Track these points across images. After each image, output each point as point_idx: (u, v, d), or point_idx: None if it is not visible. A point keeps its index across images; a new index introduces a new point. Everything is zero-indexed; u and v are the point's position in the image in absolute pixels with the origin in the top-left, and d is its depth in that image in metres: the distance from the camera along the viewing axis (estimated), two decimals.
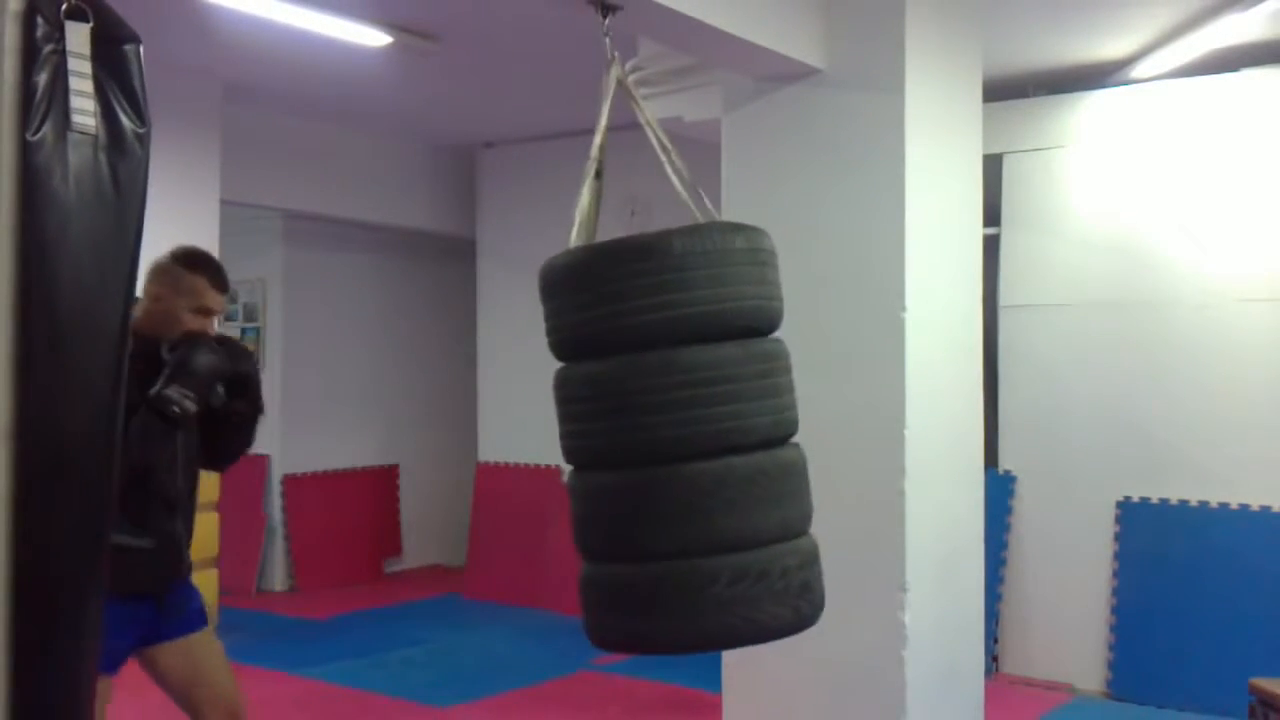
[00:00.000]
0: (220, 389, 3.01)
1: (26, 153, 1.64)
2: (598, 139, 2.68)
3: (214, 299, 3.06)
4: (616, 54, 2.75)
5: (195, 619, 3.07)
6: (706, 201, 2.72)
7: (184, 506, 3.04)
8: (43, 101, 1.65)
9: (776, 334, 2.50)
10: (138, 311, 2.87)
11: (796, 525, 2.41)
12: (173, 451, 2.96)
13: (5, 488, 1.66)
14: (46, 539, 1.71)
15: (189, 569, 3.09)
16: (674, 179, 2.70)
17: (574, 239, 2.60)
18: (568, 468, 2.48)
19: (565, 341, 2.41)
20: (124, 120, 1.75)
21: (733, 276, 2.32)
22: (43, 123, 1.65)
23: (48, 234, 1.67)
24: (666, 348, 2.27)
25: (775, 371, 2.42)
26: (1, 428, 1.66)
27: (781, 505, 2.36)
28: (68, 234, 1.68)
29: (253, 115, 6.81)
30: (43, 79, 1.66)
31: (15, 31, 1.65)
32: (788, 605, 2.34)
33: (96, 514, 1.78)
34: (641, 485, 2.30)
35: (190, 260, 3.07)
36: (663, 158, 2.70)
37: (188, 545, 3.06)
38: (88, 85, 1.70)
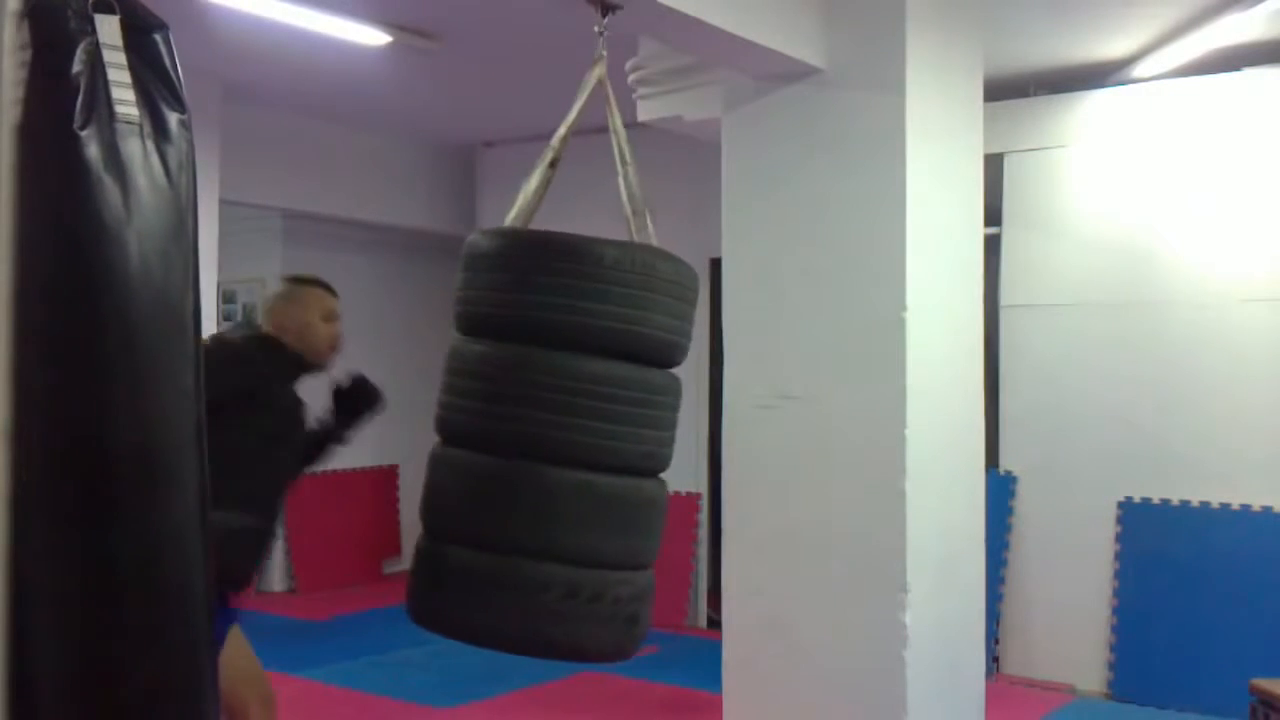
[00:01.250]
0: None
1: (77, 146, 1.62)
2: (561, 130, 2.68)
3: (335, 303, 3.67)
4: (604, 53, 2.75)
5: (233, 614, 3.16)
6: (650, 226, 2.69)
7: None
8: (86, 94, 1.64)
9: (675, 371, 2.50)
10: (276, 335, 3.35)
11: (640, 558, 2.42)
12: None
13: (4, 488, 1.64)
14: (143, 534, 1.68)
15: None
16: (623, 193, 2.69)
17: (510, 219, 2.60)
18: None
19: (473, 316, 2.41)
20: (164, 108, 1.74)
21: (651, 303, 2.33)
22: (90, 115, 1.64)
23: (108, 225, 1.64)
24: (570, 351, 2.28)
25: (664, 406, 2.42)
26: (1, 428, 1.63)
27: (631, 534, 2.38)
28: (128, 223, 1.66)
29: (252, 114, 6.80)
30: (82, 71, 1.64)
31: (13, 29, 1.64)
32: (611, 632, 2.36)
33: (195, 510, 1.75)
34: (508, 476, 2.29)
35: (300, 279, 3.63)
36: (619, 169, 2.69)
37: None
38: (125, 76, 1.69)
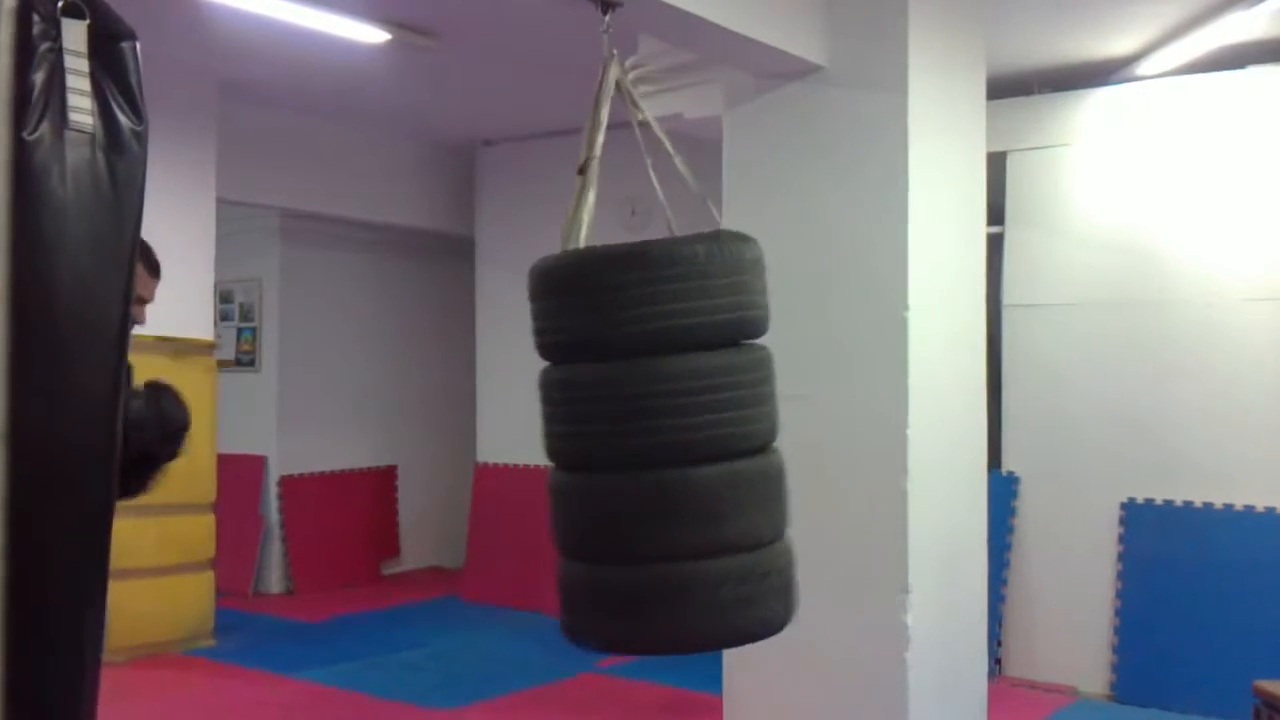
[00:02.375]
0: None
1: (23, 152, 1.62)
2: (598, 139, 2.65)
3: (145, 285, 2.62)
4: (615, 52, 2.71)
5: None
6: (712, 210, 2.72)
7: None
8: (40, 100, 1.63)
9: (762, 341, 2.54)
10: None
11: (783, 525, 2.53)
12: None
13: (2, 491, 1.63)
14: (44, 546, 1.68)
15: None
16: (688, 179, 2.69)
17: (570, 242, 2.58)
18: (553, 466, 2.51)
19: (560, 344, 2.43)
20: (121, 118, 1.74)
21: (745, 286, 2.39)
22: (40, 121, 1.63)
23: (45, 234, 1.64)
24: (672, 353, 2.32)
25: (769, 378, 2.48)
26: (1, 430, 1.62)
27: (773, 507, 2.47)
28: (65, 233, 1.66)
29: (249, 113, 6.77)
30: (39, 77, 1.64)
31: (10, 28, 1.63)
32: (783, 602, 2.47)
33: (97, 520, 1.74)
34: (648, 488, 2.32)
35: None
36: (677, 161, 2.69)
37: None
38: (85, 83, 1.68)
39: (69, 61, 1.66)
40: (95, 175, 1.69)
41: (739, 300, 2.37)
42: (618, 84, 2.67)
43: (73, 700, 1.76)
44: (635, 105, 2.70)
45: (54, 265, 1.65)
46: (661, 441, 2.30)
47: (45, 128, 1.63)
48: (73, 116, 1.66)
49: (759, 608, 2.39)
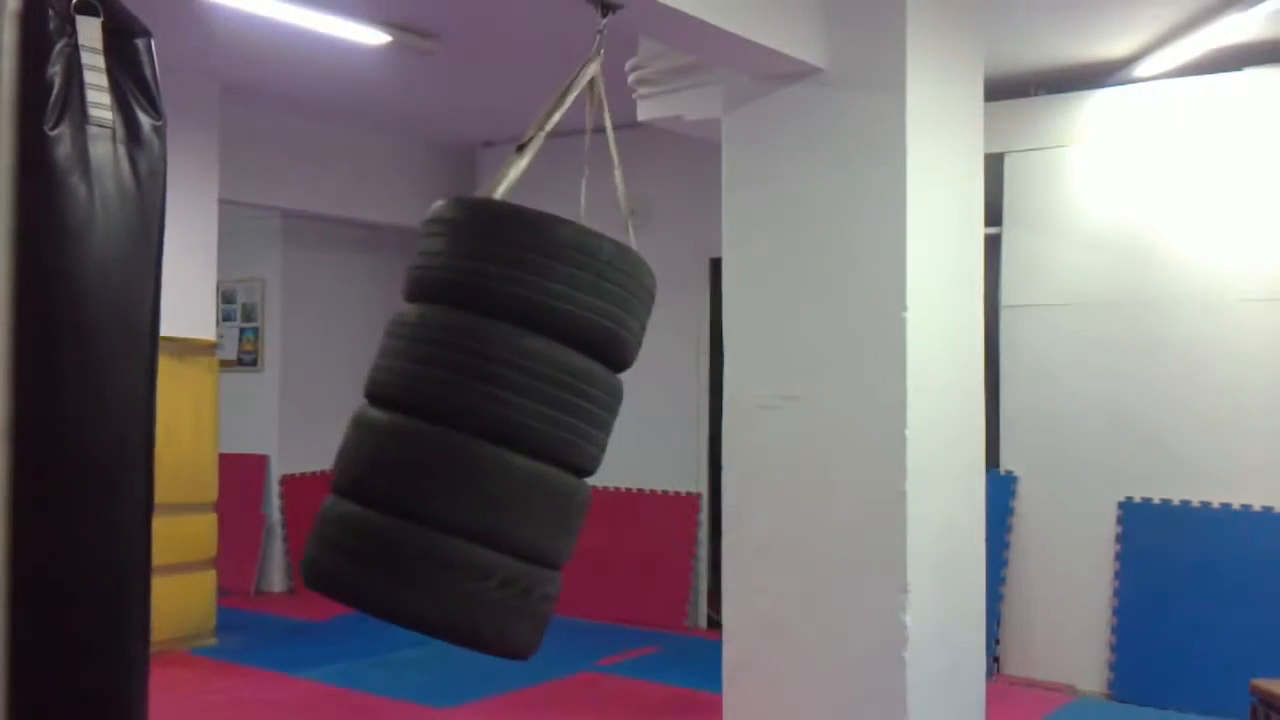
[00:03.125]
0: None
1: (46, 147, 1.62)
2: (551, 121, 2.66)
3: None
4: (601, 52, 2.73)
5: None
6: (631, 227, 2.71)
7: None
8: (59, 96, 1.64)
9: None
10: None
11: (565, 558, 2.36)
12: None
13: (4, 488, 1.62)
14: (77, 543, 1.66)
15: None
16: (620, 196, 2.69)
17: (498, 192, 2.57)
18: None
19: (439, 281, 2.32)
20: (139, 113, 1.74)
21: (628, 303, 2.32)
22: (61, 117, 1.64)
23: (70, 227, 1.64)
24: (544, 335, 2.23)
25: (610, 407, 2.38)
26: (1, 429, 1.62)
27: (565, 534, 2.31)
28: (91, 227, 1.66)
29: (251, 114, 6.79)
30: (58, 73, 1.64)
31: (16, 29, 1.64)
32: (532, 628, 2.29)
33: (136, 516, 1.73)
34: (466, 452, 2.18)
35: None
36: (616, 175, 2.70)
37: None
38: (102, 79, 1.69)
39: (85, 58, 1.67)
40: (118, 169, 1.70)
41: (621, 316, 2.29)
42: (591, 81, 2.70)
43: (124, 692, 1.76)
44: (601, 107, 2.72)
45: (80, 259, 1.65)
46: (496, 412, 2.17)
47: (67, 123, 1.64)
48: (93, 112, 1.67)
49: (508, 619, 2.22)
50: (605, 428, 2.34)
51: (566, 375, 2.24)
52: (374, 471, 2.24)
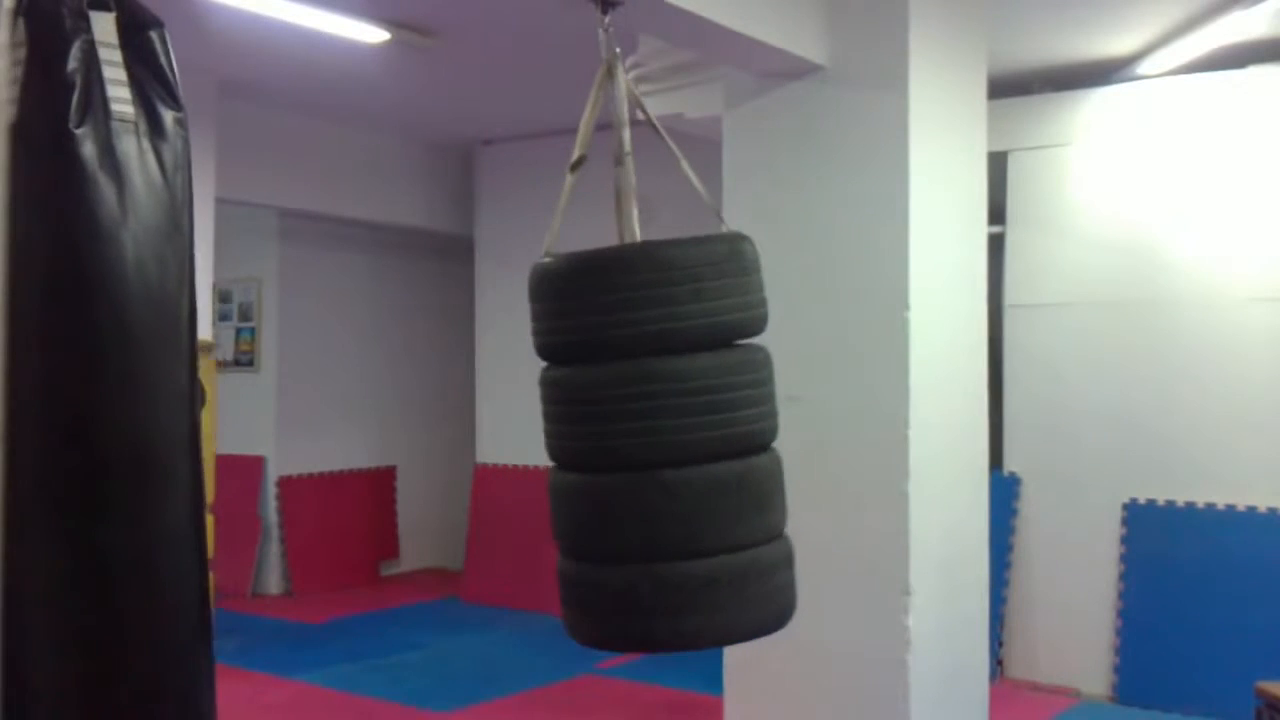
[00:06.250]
0: None
1: (73, 144, 1.61)
2: (589, 135, 2.63)
3: None
4: (617, 50, 2.68)
5: None
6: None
7: None
8: (81, 93, 1.63)
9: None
10: None
11: (781, 526, 2.52)
12: None
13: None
14: (136, 534, 1.66)
15: None
16: (695, 183, 2.66)
17: (557, 220, 2.59)
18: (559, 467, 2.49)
19: (552, 345, 2.42)
20: (160, 105, 1.74)
21: (731, 289, 2.37)
22: (85, 114, 1.63)
23: (104, 223, 1.64)
24: (670, 354, 2.31)
25: (767, 379, 2.47)
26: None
27: (770, 508, 2.45)
28: (124, 222, 1.66)
29: (248, 112, 6.76)
30: (77, 70, 1.64)
31: (22, 28, 1.63)
32: (777, 602, 2.47)
33: (191, 511, 1.73)
34: (635, 488, 2.32)
35: None
36: (683, 165, 2.67)
37: None
38: (121, 74, 1.69)
39: (102, 53, 1.67)
40: (144, 163, 1.69)
41: (731, 304, 2.36)
42: (614, 77, 2.64)
43: (199, 690, 1.81)
44: (642, 108, 2.68)
45: (116, 255, 1.64)
46: (648, 442, 2.29)
47: (90, 120, 1.63)
48: (115, 107, 1.67)
49: (751, 608, 2.39)
50: (766, 400, 2.42)
51: (708, 378, 2.33)
52: (604, 531, 2.38)
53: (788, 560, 2.52)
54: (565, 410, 2.41)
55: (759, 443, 2.42)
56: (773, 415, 2.45)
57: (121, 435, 1.64)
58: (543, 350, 2.45)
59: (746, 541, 2.38)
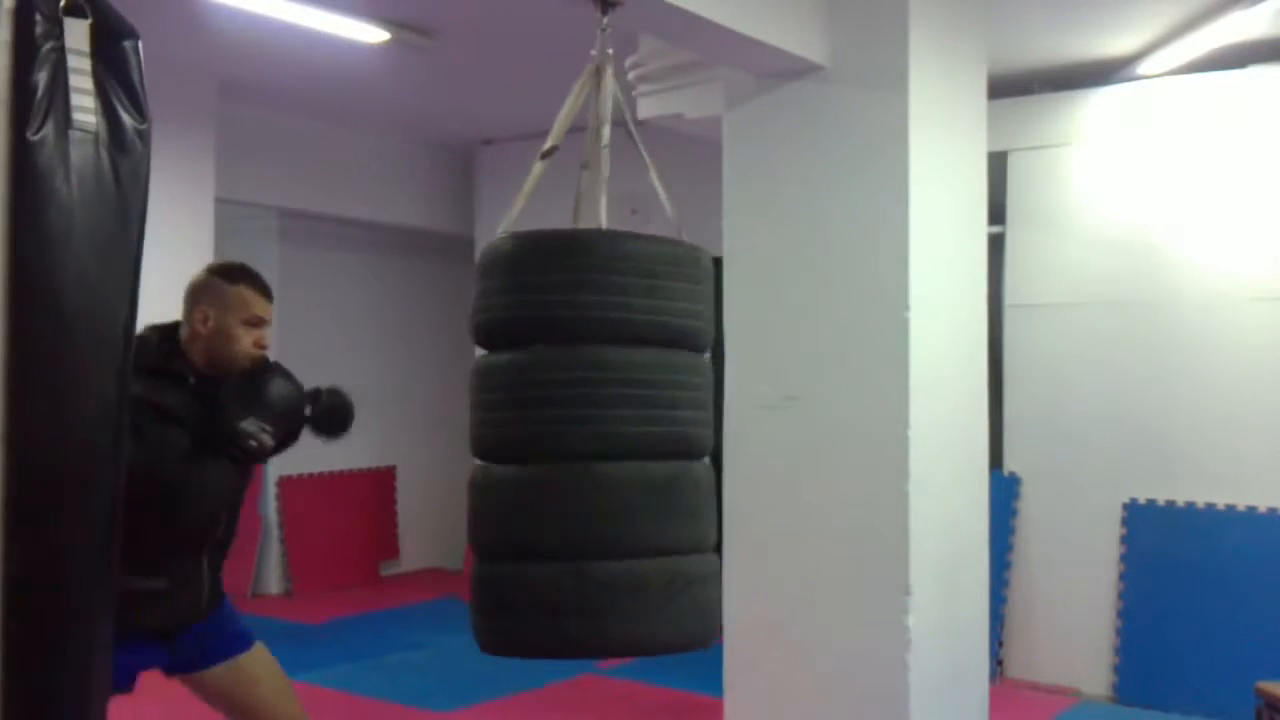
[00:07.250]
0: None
1: (28, 152, 1.62)
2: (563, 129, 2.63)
3: (263, 306, 2.87)
4: (610, 52, 2.68)
5: (236, 642, 2.92)
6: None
7: (215, 546, 2.89)
8: (43, 100, 1.64)
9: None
10: (186, 340, 2.77)
11: (704, 541, 2.40)
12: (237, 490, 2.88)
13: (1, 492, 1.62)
14: (46, 550, 1.66)
15: (214, 605, 2.91)
16: (661, 194, 2.66)
17: (518, 204, 2.57)
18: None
19: (487, 324, 2.37)
20: (124, 116, 1.74)
21: (674, 291, 2.34)
22: (44, 121, 1.64)
23: (51, 233, 1.64)
24: (600, 344, 2.27)
25: (700, 386, 2.42)
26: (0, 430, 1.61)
27: (690, 518, 2.36)
28: (71, 233, 1.66)
29: (248, 112, 6.76)
30: (42, 77, 1.64)
31: (10, 28, 1.63)
32: (690, 620, 2.33)
33: (102, 523, 1.72)
34: (566, 480, 2.26)
35: (228, 273, 2.85)
36: (651, 172, 2.67)
37: (213, 584, 2.90)
38: (88, 82, 1.69)
39: (72, 61, 1.66)
40: (99, 174, 1.69)
41: (674, 306, 2.33)
42: (602, 79, 2.64)
43: (83, 700, 1.75)
44: (624, 114, 2.68)
45: (60, 264, 1.65)
46: (584, 431, 2.24)
47: (49, 128, 1.63)
48: (76, 116, 1.67)
49: (657, 620, 2.28)
50: (703, 408, 2.39)
51: (651, 373, 2.29)
52: (534, 525, 2.29)
53: (717, 578, 2.43)
54: (500, 398, 2.34)
55: (696, 448, 2.37)
56: (709, 426, 2.41)
57: (39, 446, 1.64)
58: (485, 328, 2.38)
59: (676, 547, 2.31)
